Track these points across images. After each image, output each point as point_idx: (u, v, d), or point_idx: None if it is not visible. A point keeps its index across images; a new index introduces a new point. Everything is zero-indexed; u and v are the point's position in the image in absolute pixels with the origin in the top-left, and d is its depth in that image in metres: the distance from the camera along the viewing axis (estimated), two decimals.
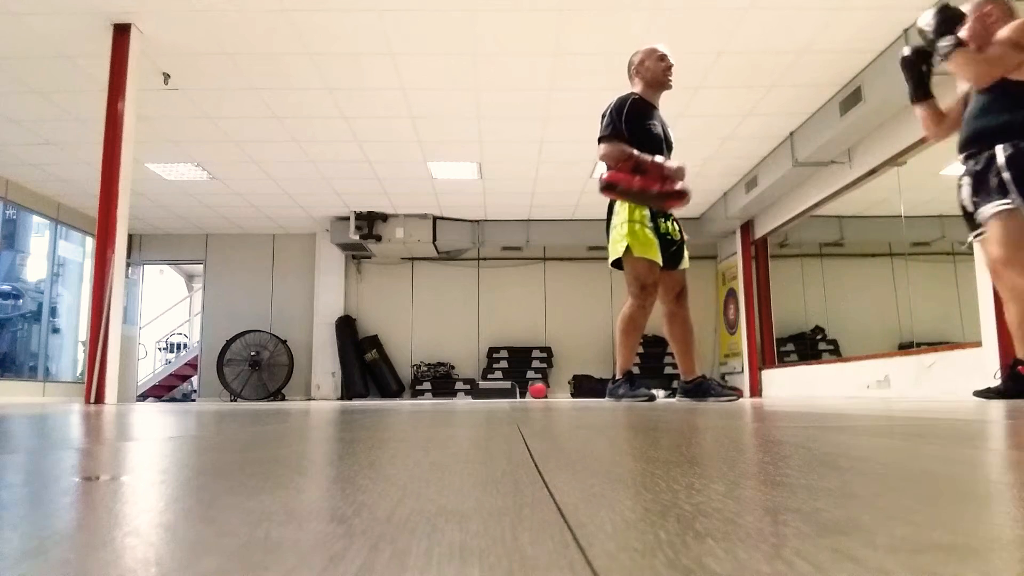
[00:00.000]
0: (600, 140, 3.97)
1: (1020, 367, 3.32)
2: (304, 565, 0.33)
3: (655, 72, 4.07)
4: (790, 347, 9.62)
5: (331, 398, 10.52)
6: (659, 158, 3.84)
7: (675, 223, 4.04)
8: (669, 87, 4.12)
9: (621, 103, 3.98)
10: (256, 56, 5.68)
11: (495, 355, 10.91)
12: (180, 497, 0.57)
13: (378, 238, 10.16)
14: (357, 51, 5.62)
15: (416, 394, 10.76)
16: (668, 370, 10.49)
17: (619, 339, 4.01)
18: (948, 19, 3.42)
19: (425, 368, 10.89)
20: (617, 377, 4.04)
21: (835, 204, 7.65)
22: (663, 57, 4.09)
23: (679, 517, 0.43)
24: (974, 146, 3.37)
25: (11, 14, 5.01)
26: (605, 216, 4.10)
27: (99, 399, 4.89)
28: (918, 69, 3.72)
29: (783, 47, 5.55)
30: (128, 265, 7.62)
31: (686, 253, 4.11)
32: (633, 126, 3.91)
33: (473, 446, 1.05)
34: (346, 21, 5.18)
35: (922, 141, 5.90)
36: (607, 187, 3.85)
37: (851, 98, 6.09)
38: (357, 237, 10.12)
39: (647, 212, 3.90)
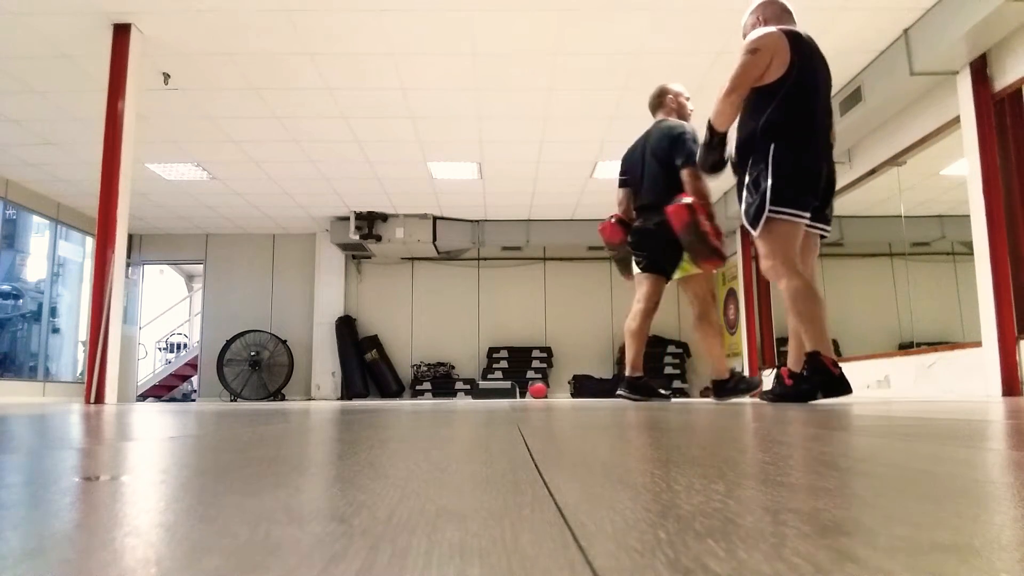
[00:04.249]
0: (688, 164, 4.01)
1: (783, 368, 3.36)
2: (304, 565, 0.33)
3: (685, 115, 4.33)
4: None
5: (331, 398, 10.52)
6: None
7: None
8: None
9: (696, 134, 4.06)
10: (256, 56, 5.68)
11: (495, 355, 10.91)
12: (180, 497, 0.57)
13: (378, 238, 10.16)
14: (357, 51, 5.62)
15: (416, 394, 10.76)
16: (668, 370, 10.49)
17: (706, 345, 4.30)
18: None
19: (425, 368, 10.89)
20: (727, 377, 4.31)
21: (835, 204, 7.62)
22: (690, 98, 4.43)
23: (679, 517, 0.43)
24: (737, 157, 3.31)
25: (11, 14, 5.00)
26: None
27: (99, 399, 4.89)
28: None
29: None
30: (128, 265, 7.61)
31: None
32: None
33: (473, 446, 1.05)
34: (346, 21, 5.18)
35: (922, 141, 5.90)
36: (687, 214, 3.86)
37: (851, 98, 6.08)
38: (357, 237, 10.12)
39: None
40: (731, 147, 3.34)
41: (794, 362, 3.33)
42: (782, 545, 0.35)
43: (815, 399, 3.09)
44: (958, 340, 6.14)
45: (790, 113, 3.12)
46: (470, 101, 6.55)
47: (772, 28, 3.18)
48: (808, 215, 3.14)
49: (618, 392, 4.33)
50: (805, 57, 3.13)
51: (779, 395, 3.32)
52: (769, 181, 3.07)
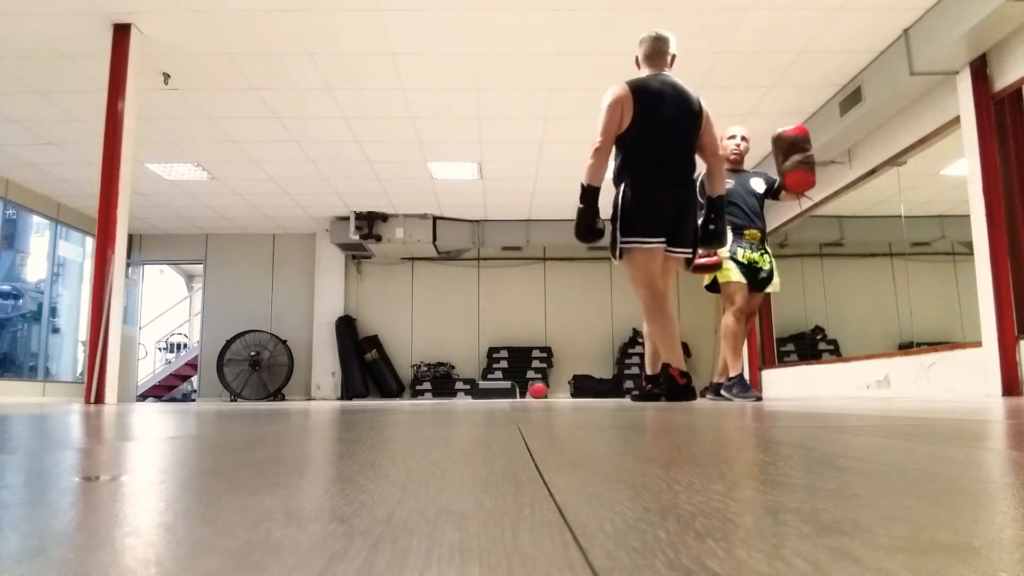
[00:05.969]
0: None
1: (671, 369, 3.64)
2: (304, 565, 0.33)
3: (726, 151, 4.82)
4: (790, 347, 9.60)
5: (331, 398, 10.52)
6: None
7: (764, 254, 4.83)
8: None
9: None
10: (256, 56, 5.68)
11: (495, 355, 10.90)
12: (180, 497, 0.57)
13: (378, 238, 10.16)
14: (357, 51, 5.62)
15: (416, 394, 10.76)
16: None
17: (726, 345, 4.79)
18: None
19: (425, 368, 10.89)
20: (731, 376, 4.75)
21: (835, 204, 7.64)
22: (733, 136, 4.92)
23: (679, 517, 0.43)
24: None
25: (11, 14, 5.00)
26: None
27: (99, 399, 4.89)
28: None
29: (783, 47, 5.55)
30: (128, 265, 7.62)
31: (776, 279, 4.93)
32: None
33: (473, 446, 1.05)
34: (346, 21, 5.18)
35: (922, 141, 5.90)
36: None
37: (851, 98, 6.08)
38: (357, 237, 10.12)
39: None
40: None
41: (671, 361, 3.64)
42: (782, 545, 0.35)
43: (660, 401, 3.57)
44: (958, 340, 6.14)
45: (632, 156, 3.64)
46: (470, 101, 6.55)
47: (619, 87, 3.68)
48: (658, 240, 3.59)
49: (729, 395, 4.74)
50: (649, 107, 3.62)
51: (635, 396, 3.90)
52: (618, 218, 3.59)
